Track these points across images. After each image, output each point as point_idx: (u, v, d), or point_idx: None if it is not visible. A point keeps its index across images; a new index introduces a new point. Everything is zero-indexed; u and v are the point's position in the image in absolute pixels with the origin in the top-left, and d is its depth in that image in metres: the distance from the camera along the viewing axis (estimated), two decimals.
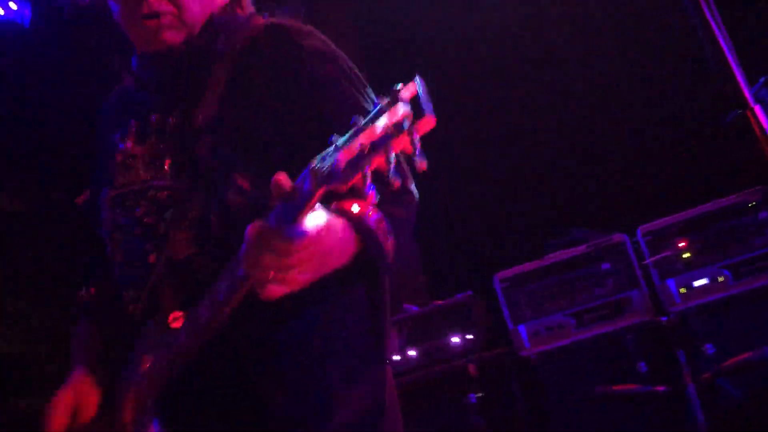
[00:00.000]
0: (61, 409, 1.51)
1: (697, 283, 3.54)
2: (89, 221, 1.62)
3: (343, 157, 0.98)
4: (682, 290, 3.56)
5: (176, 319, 1.33)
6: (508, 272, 3.88)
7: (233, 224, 1.28)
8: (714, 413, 3.31)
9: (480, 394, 3.76)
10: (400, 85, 0.98)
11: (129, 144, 1.50)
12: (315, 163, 1.04)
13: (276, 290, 1.16)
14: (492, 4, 4.84)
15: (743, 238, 3.50)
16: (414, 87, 0.98)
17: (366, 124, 0.98)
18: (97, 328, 1.62)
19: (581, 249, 3.79)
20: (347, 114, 1.10)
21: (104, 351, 1.58)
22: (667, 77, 4.53)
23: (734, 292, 3.46)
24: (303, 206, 1.06)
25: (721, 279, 3.50)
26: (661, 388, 3.48)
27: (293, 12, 1.78)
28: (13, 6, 4.35)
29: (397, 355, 4.03)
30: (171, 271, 1.37)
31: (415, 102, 0.98)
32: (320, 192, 1.03)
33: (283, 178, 1.09)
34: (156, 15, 1.46)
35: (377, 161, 0.97)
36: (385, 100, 0.98)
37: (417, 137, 0.97)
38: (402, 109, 0.95)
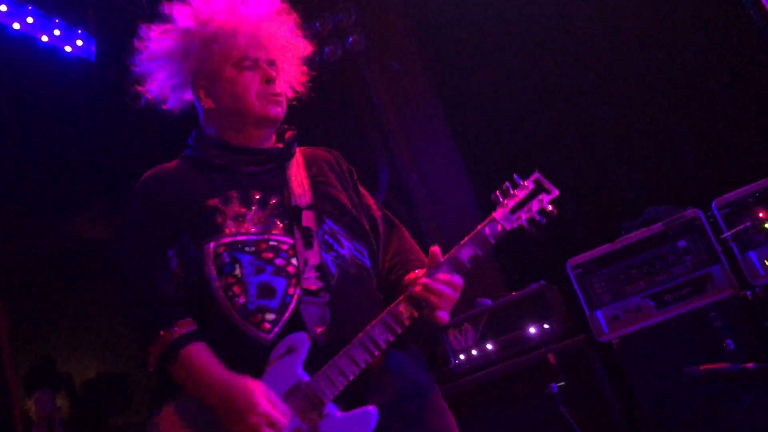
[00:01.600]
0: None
1: None
2: (170, 268, 1.94)
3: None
4: (767, 261, 3.43)
5: (322, 334, 1.86)
6: (579, 258, 3.82)
7: (344, 270, 1.96)
8: None
9: (562, 383, 3.71)
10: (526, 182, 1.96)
11: (235, 207, 1.96)
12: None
13: (446, 317, 1.88)
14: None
15: None
16: (535, 179, 1.97)
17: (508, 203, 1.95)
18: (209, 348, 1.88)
19: (653, 229, 3.70)
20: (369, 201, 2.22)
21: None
22: (728, 46, 4.37)
23: None
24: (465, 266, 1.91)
25: None
26: (751, 365, 3.35)
27: (346, 15, 2.10)
28: (79, 42, 4.56)
29: (474, 349, 4.02)
30: (307, 301, 1.89)
31: (539, 184, 1.95)
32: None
33: (437, 250, 1.91)
34: (280, 94, 2.09)
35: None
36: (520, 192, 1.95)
37: (548, 206, 1.93)
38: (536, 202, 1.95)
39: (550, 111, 5.00)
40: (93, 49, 4.54)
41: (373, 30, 5.37)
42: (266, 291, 1.87)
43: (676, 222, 3.65)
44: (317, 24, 5.14)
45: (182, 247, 1.94)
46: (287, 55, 2.16)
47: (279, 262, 1.91)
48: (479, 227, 1.91)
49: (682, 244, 3.65)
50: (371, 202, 2.22)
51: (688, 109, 4.57)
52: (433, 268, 1.88)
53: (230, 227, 1.93)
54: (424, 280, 1.86)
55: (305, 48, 2.22)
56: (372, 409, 1.81)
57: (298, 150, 2.17)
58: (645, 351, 3.64)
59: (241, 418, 1.74)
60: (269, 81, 2.05)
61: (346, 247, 2.00)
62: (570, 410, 3.70)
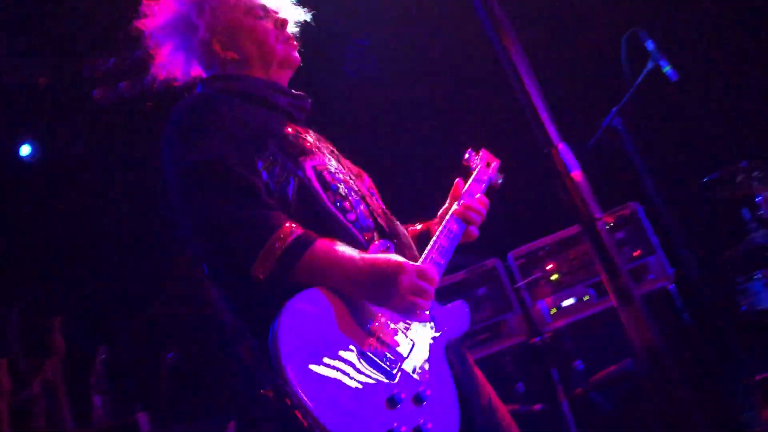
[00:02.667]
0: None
1: (565, 303, 3.72)
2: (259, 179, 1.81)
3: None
4: (553, 311, 3.73)
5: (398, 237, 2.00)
6: None
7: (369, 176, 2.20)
8: (586, 426, 3.46)
9: None
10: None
11: (310, 139, 2.03)
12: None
13: (476, 232, 2.22)
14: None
15: None
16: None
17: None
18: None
19: (456, 276, 3.91)
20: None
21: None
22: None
23: (599, 309, 3.66)
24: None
25: (586, 298, 3.69)
26: (538, 407, 3.60)
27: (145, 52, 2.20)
28: None
29: None
30: (370, 200, 2.04)
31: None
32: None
33: (460, 182, 2.32)
34: (296, 38, 2.17)
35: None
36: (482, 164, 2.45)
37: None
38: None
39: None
40: None
41: None
42: (367, 212, 1.96)
43: (477, 270, 3.88)
44: (112, 60, 4.83)
45: (273, 161, 1.84)
46: (286, 11, 2.21)
47: (348, 179, 2.02)
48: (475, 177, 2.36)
49: (482, 291, 3.89)
50: None
51: None
52: (460, 198, 2.23)
53: (317, 153, 1.97)
54: (465, 202, 2.19)
55: (300, 13, 2.27)
56: (461, 302, 1.99)
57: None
58: None
59: (396, 280, 1.72)
60: (283, 24, 2.14)
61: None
62: None
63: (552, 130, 1.09)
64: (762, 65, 4.80)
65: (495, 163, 2.47)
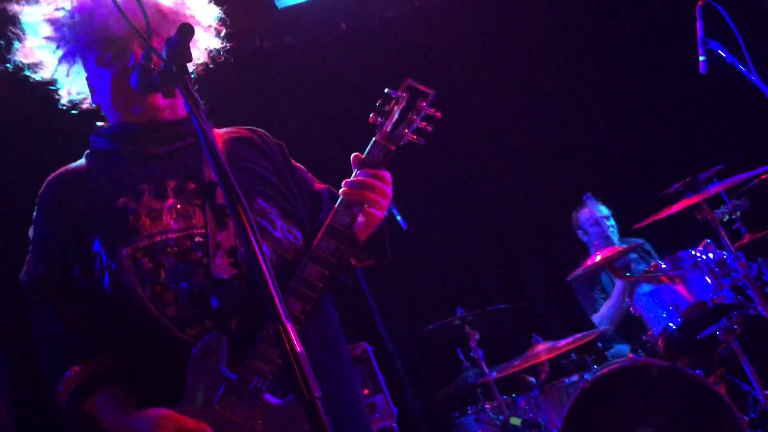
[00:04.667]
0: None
1: None
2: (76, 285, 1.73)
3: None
4: None
5: (238, 326, 1.66)
6: None
7: (278, 254, 1.75)
8: None
9: None
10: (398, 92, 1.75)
11: (149, 202, 1.73)
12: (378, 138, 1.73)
13: (380, 214, 1.72)
14: None
15: None
16: (407, 86, 1.75)
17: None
18: (124, 386, 1.71)
19: None
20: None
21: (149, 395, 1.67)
22: None
23: None
24: (382, 160, 1.72)
25: None
26: None
27: None
28: None
29: None
30: (219, 292, 1.68)
31: (413, 89, 1.74)
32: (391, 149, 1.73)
33: (357, 154, 1.73)
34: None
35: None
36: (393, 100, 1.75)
37: (430, 110, 1.75)
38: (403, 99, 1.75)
39: None
40: None
41: None
42: (200, 297, 1.67)
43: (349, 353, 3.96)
44: None
45: (93, 260, 1.72)
46: (162, 23, 1.76)
47: (205, 259, 1.71)
48: (365, 155, 1.73)
49: None
50: (310, 177, 2.02)
51: None
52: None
53: (146, 227, 1.71)
54: (347, 180, 1.72)
55: (208, 40, 1.94)
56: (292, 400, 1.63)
57: (217, 133, 1.94)
58: None
59: None
60: (130, 67, 1.73)
61: (280, 229, 1.78)
62: None
63: (283, 310, 1.16)
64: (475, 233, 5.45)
65: (423, 104, 1.77)
